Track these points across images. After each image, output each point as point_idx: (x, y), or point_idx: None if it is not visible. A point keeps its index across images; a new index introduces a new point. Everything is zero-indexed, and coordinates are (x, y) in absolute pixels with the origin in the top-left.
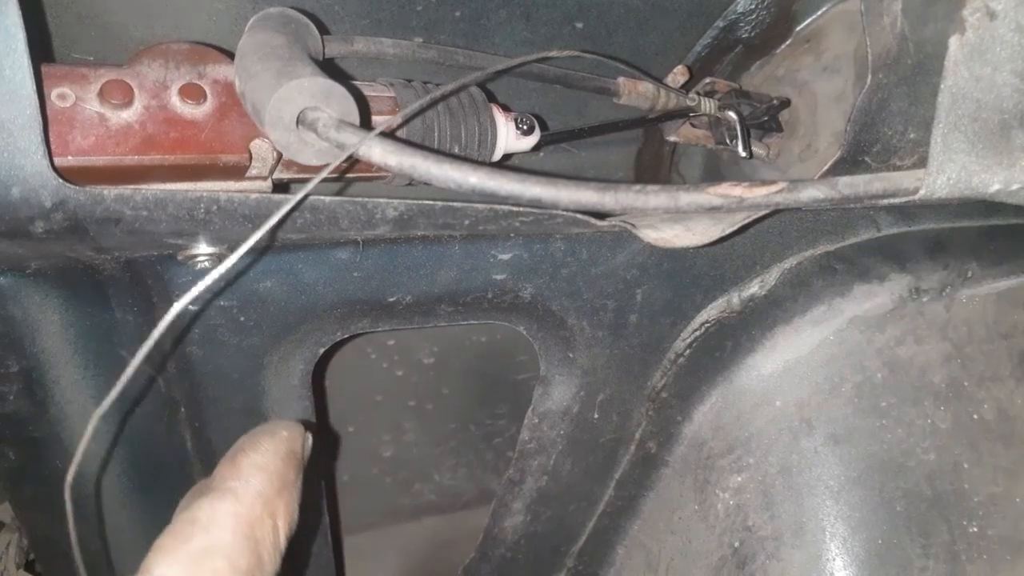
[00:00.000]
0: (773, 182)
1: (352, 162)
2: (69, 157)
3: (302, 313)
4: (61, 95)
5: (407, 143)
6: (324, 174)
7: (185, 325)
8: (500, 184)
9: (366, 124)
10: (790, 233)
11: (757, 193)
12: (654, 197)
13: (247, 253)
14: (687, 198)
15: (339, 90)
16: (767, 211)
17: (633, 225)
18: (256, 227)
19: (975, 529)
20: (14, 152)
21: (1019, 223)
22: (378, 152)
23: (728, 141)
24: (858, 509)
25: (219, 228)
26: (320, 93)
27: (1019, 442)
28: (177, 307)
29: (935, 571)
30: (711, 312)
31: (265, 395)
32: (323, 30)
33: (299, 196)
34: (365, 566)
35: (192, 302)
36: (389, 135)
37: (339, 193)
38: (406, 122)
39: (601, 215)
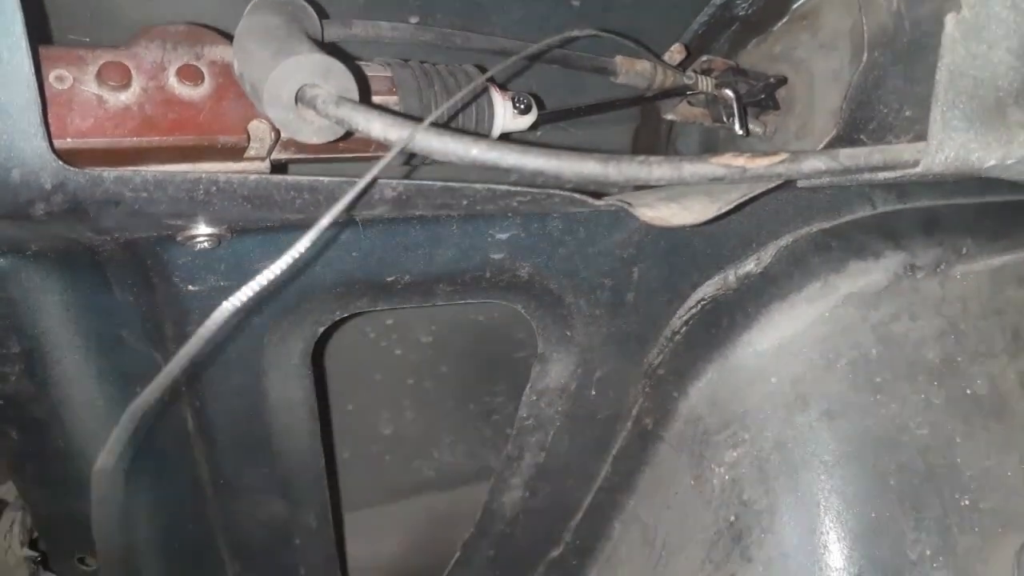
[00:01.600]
0: (775, 153)
1: (352, 141)
2: (68, 139)
3: (301, 293)
4: (59, 77)
5: (407, 117)
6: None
7: (185, 305)
8: (501, 156)
9: (365, 102)
10: (786, 211)
11: (760, 163)
12: (657, 168)
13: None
14: (690, 168)
15: (337, 66)
16: (766, 187)
17: (630, 204)
18: (256, 208)
19: (967, 503)
20: (13, 135)
21: (1013, 199)
22: (378, 127)
23: (725, 119)
24: (852, 483)
25: (218, 209)
26: (318, 70)
27: (1011, 417)
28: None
29: (927, 544)
30: (707, 289)
31: (265, 375)
32: (322, 14)
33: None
34: (365, 542)
35: (192, 283)
36: (388, 110)
37: (337, 173)
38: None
39: (598, 195)
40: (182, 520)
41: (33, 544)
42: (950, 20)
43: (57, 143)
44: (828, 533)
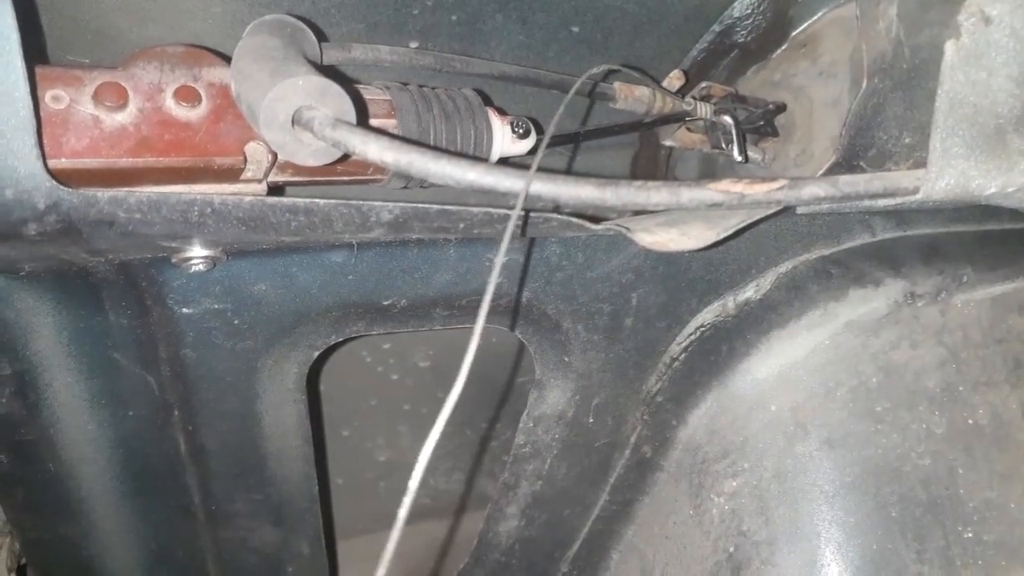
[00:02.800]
0: (774, 179)
1: (349, 163)
2: (63, 159)
3: (296, 316)
4: (55, 97)
5: (404, 140)
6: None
7: (179, 328)
8: (498, 180)
9: (363, 124)
10: (786, 237)
11: (758, 189)
12: (655, 193)
13: (251, 254)
14: (688, 194)
15: (334, 88)
16: (764, 213)
17: (628, 229)
18: (251, 230)
19: (970, 535)
20: (7, 154)
21: (1014, 228)
22: (374, 149)
23: (724, 145)
24: (853, 514)
25: (213, 231)
26: (315, 91)
27: (1014, 447)
28: None
29: None
30: (706, 316)
31: (259, 398)
32: (321, 37)
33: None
34: (359, 570)
35: (187, 305)
36: (385, 133)
37: (334, 196)
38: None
39: (596, 219)
40: (172, 547)
41: (21, 570)
42: (950, 47)
43: (51, 163)
44: (829, 565)
